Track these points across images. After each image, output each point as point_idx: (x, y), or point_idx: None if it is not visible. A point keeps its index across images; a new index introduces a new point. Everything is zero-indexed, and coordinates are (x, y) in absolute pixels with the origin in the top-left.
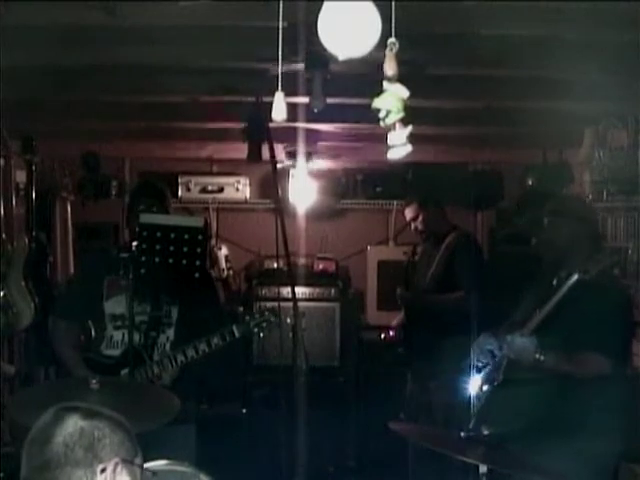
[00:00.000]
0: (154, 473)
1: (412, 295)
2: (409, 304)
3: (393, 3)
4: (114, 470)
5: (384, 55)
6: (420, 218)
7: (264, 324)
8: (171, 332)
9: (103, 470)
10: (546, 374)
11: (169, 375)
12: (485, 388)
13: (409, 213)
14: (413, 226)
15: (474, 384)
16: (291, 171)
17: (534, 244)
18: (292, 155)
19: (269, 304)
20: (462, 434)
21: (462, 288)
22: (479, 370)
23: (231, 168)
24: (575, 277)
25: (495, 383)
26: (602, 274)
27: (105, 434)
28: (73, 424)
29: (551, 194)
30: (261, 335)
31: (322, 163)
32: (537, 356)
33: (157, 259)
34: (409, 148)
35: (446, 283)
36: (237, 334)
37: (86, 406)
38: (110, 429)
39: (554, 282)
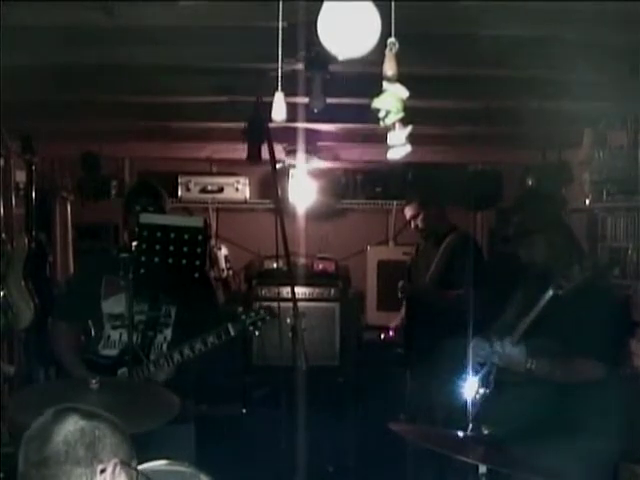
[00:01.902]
0: (148, 478)
1: (414, 287)
2: (410, 297)
3: (393, 3)
4: (113, 471)
5: (384, 55)
6: (420, 217)
7: (259, 322)
8: (169, 332)
9: (103, 470)
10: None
11: (166, 374)
12: (480, 392)
13: (409, 211)
14: (413, 224)
15: (470, 388)
16: (291, 171)
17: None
18: (292, 155)
19: (266, 303)
20: (462, 434)
21: (462, 288)
22: (474, 374)
23: (231, 168)
24: (550, 293)
25: (487, 390)
26: (590, 280)
27: (105, 434)
28: (73, 423)
29: (551, 194)
30: (257, 333)
31: (322, 163)
32: (528, 365)
33: (157, 259)
34: (409, 148)
35: (446, 283)
36: (233, 332)
37: (85, 408)
38: (110, 430)
39: (539, 286)
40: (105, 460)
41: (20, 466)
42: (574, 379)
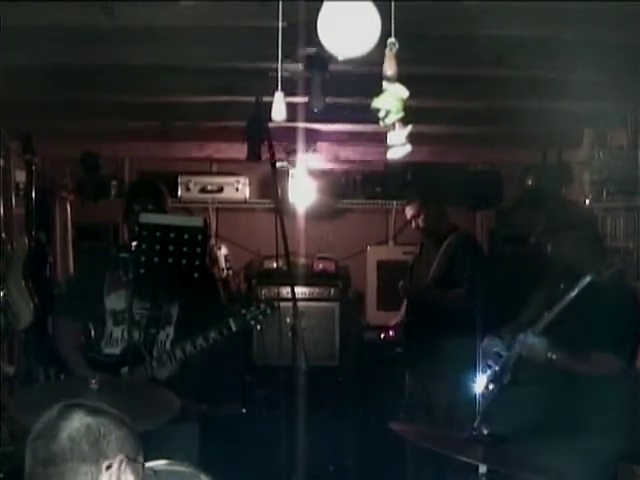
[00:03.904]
0: (155, 472)
1: (415, 286)
2: (411, 296)
3: (393, 3)
4: (119, 467)
5: (384, 55)
6: (421, 217)
7: (260, 317)
8: (171, 330)
9: (108, 467)
10: (549, 374)
11: (168, 372)
12: (491, 387)
13: (410, 211)
14: (414, 224)
15: (480, 384)
16: (291, 171)
17: (547, 253)
18: (292, 155)
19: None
20: (465, 433)
21: (462, 288)
22: (484, 371)
23: (231, 168)
24: (588, 279)
25: (505, 382)
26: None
27: (110, 430)
28: (79, 419)
29: (551, 194)
30: (258, 328)
31: (322, 163)
32: (549, 355)
33: (157, 259)
34: (409, 148)
35: (446, 283)
36: (234, 327)
37: (90, 403)
38: (115, 426)
39: (562, 285)
40: (111, 456)
41: (27, 464)
42: (593, 373)
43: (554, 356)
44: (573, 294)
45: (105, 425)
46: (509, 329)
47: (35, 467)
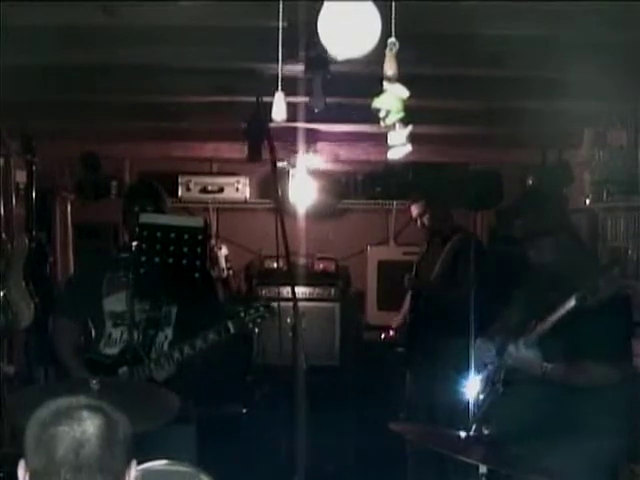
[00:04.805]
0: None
1: (422, 284)
2: (416, 293)
3: (393, 3)
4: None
5: (384, 55)
6: (427, 216)
7: (259, 319)
8: (170, 331)
9: (128, 470)
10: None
11: (167, 373)
12: (487, 392)
13: (416, 209)
14: (419, 222)
15: (472, 388)
16: (291, 171)
17: (530, 258)
18: (292, 155)
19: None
20: (462, 434)
21: (464, 289)
22: (477, 374)
23: (231, 168)
24: (572, 303)
25: (498, 392)
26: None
27: (128, 431)
28: (107, 423)
29: (551, 194)
30: (256, 330)
31: (322, 163)
32: (543, 369)
33: (157, 259)
34: (409, 148)
35: (450, 284)
36: (232, 329)
37: (106, 405)
38: (129, 428)
39: (549, 291)
40: (130, 459)
41: (48, 464)
42: (589, 384)
43: (548, 369)
44: (559, 315)
45: (126, 426)
46: (497, 328)
47: (63, 472)
